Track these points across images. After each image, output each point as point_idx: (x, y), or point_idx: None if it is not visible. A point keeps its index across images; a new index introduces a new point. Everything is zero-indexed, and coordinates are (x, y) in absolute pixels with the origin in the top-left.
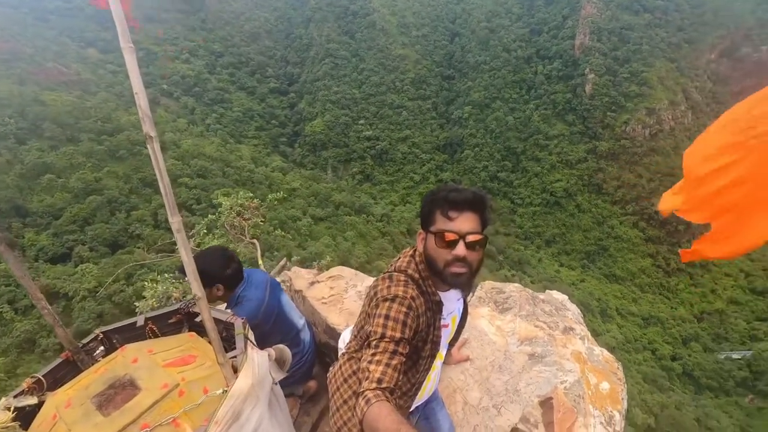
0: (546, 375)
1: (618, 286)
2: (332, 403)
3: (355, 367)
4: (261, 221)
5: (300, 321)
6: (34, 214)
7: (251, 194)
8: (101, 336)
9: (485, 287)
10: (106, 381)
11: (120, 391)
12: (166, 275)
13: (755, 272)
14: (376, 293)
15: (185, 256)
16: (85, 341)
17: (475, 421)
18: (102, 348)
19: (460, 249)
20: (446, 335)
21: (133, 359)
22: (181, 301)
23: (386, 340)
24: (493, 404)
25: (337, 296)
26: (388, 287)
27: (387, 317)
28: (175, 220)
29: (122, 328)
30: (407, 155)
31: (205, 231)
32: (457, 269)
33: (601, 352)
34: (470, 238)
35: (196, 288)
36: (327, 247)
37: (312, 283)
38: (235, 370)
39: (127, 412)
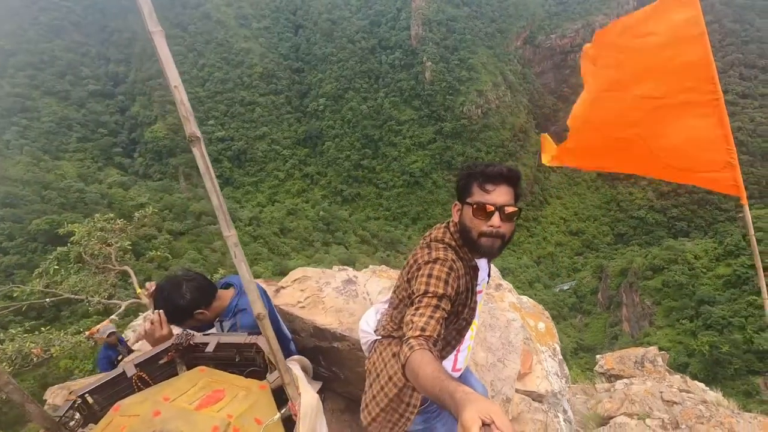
0: (518, 324)
1: None
2: (377, 381)
3: (396, 349)
4: (128, 245)
5: (287, 330)
6: None
7: (111, 215)
8: (78, 401)
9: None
10: None
11: None
12: (12, 330)
13: (570, 218)
14: (416, 260)
15: (245, 272)
16: (61, 413)
17: (490, 377)
18: (78, 416)
19: (496, 220)
20: (481, 302)
21: (154, 413)
22: (42, 356)
23: (429, 295)
24: (497, 359)
25: (313, 297)
26: (428, 253)
27: (430, 275)
28: (232, 234)
29: (102, 386)
30: (268, 153)
31: (56, 267)
32: (490, 239)
33: (528, 300)
34: (506, 209)
35: (259, 307)
36: (194, 263)
37: (277, 290)
38: (278, 389)
39: None
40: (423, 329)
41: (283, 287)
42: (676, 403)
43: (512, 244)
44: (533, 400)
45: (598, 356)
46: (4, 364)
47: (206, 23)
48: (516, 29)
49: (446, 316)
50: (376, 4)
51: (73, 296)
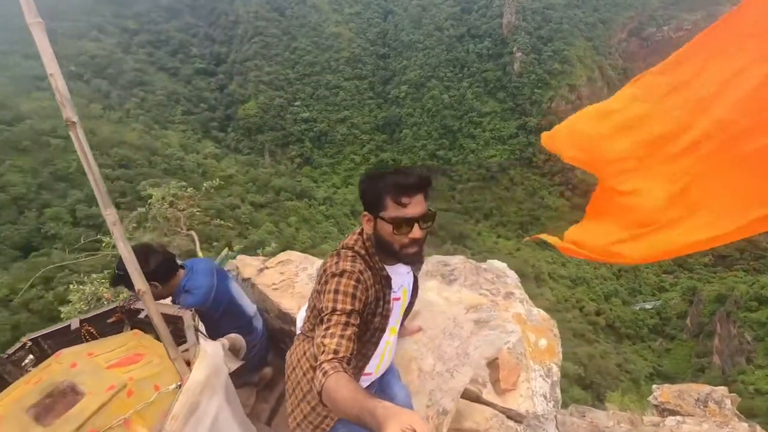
0: (491, 338)
1: (549, 252)
2: (289, 383)
3: (307, 346)
4: (197, 211)
5: (251, 308)
6: None
7: (184, 183)
8: (29, 344)
9: (432, 261)
10: (42, 390)
11: (60, 399)
12: (93, 276)
13: None
14: (325, 270)
15: (124, 250)
16: (10, 351)
17: (431, 386)
18: (31, 357)
19: (417, 232)
20: (398, 308)
21: (72, 364)
22: (113, 300)
23: (338, 313)
24: (446, 369)
25: (287, 281)
26: (336, 263)
27: (336, 291)
28: (110, 212)
29: (53, 333)
30: (347, 136)
31: (134, 225)
32: (412, 249)
33: (539, 312)
34: (425, 218)
35: (140, 282)
36: (269, 235)
37: (261, 270)
38: (188, 364)
39: (71, 420)
40: (336, 351)
41: (267, 267)
42: None
43: None
44: (509, 418)
45: (654, 386)
46: (81, 303)
47: (302, 8)
48: (622, 20)
49: (357, 330)
50: None
51: None
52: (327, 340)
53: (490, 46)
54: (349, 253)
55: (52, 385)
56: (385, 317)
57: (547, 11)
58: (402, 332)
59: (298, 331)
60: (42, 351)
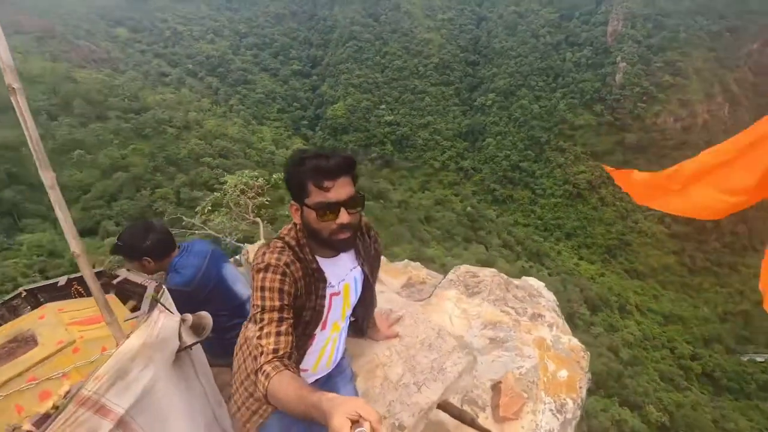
0: (503, 360)
1: (639, 282)
2: (238, 374)
3: (250, 333)
4: (266, 201)
5: (247, 292)
6: (65, 189)
7: (255, 174)
8: (24, 294)
9: (460, 271)
10: (10, 335)
11: (20, 345)
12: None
13: None
14: (253, 265)
15: (59, 212)
16: (7, 298)
17: (392, 397)
18: (28, 307)
19: (344, 216)
20: (338, 303)
21: (41, 316)
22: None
23: (268, 311)
24: (414, 381)
25: None
26: (263, 256)
27: (263, 288)
28: (48, 176)
29: (46, 287)
30: (428, 142)
31: (209, 208)
32: (342, 235)
33: (569, 341)
34: (351, 203)
35: (74, 245)
36: None
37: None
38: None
39: (18, 365)
40: (275, 350)
41: None
42: None
43: (691, 289)
44: None
45: None
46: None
47: (396, 14)
48: (755, 28)
49: (292, 321)
50: None
51: (215, 234)
52: (264, 341)
53: (589, 55)
54: (279, 244)
55: (18, 332)
56: (318, 312)
57: (661, 18)
58: (376, 336)
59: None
60: (37, 302)
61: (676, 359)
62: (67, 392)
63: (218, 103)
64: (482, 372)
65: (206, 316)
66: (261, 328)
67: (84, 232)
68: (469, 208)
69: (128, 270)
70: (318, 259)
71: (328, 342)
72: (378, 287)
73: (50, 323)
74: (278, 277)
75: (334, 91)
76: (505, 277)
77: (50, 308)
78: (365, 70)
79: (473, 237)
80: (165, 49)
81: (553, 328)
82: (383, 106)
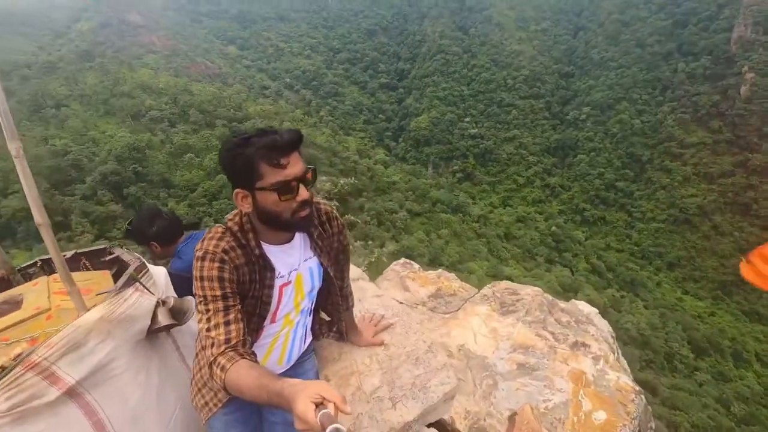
0: (529, 389)
1: (761, 326)
2: (197, 360)
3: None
4: (336, 204)
5: None
6: (176, 187)
7: (324, 178)
8: (40, 263)
9: (498, 286)
10: (4, 297)
11: (10, 307)
12: None
13: None
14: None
15: (23, 181)
16: (23, 265)
17: (361, 409)
18: (43, 276)
19: (304, 192)
20: (289, 294)
21: (35, 283)
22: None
23: (211, 301)
24: (390, 396)
25: None
26: (201, 243)
27: (202, 278)
28: (13, 147)
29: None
30: (513, 156)
31: None
32: (303, 213)
33: (618, 379)
34: (307, 176)
35: (38, 216)
36: (420, 242)
37: None
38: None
39: None
40: (227, 340)
41: None
42: None
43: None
44: None
45: None
46: None
47: (486, 26)
48: None
49: (240, 307)
50: (689, 1)
51: None
52: (213, 333)
53: (707, 65)
54: (220, 229)
55: (11, 296)
56: (266, 303)
57: None
58: (359, 341)
59: None
60: (52, 272)
61: None
62: (18, 355)
63: (310, 114)
64: (501, 399)
65: (189, 300)
66: (208, 320)
67: (188, 226)
68: (554, 228)
69: (126, 250)
70: (264, 246)
71: (278, 337)
72: (393, 293)
73: (38, 290)
74: (216, 264)
75: (419, 103)
76: (550, 297)
77: (52, 278)
78: (451, 83)
79: (557, 258)
80: (267, 64)
81: (599, 361)
82: (468, 119)
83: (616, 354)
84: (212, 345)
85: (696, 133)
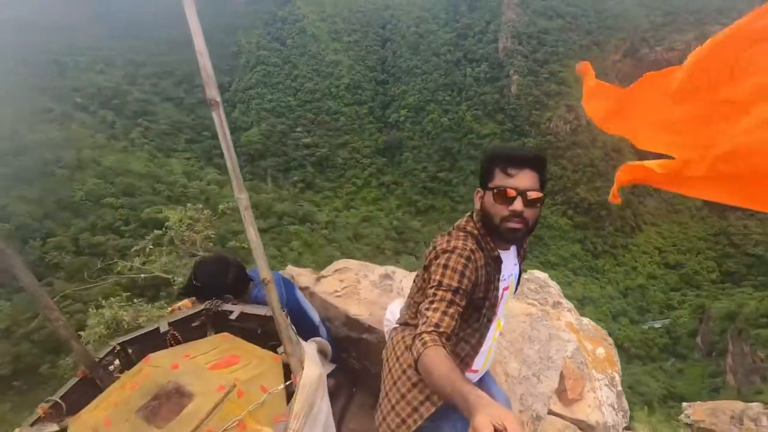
0: (552, 344)
1: (553, 271)
2: (389, 375)
3: (410, 340)
4: (212, 233)
5: (316, 317)
6: None
7: (200, 205)
8: (118, 348)
9: None
10: (146, 393)
11: (166, 400)
12: (111, 299)
13: (667, 248)
14: (434, 248)
15: (253, 235)
16: (101, 355)
17: (520, 391)
18: (117, 362)
19: (518, 204)
20: (506, 297)
21: (173, 365)
22: (132, 324)
23: (443, 288)
24: (532, 373)
25: (350, 288)
26: (448, 241)
27: (446, 266)
28: (243, 197)
29: (140, 337)
30: (348, 160)
31: (151, 247)
32: (513, 225)
33: (589, 322)
34: (529, 194)
35: (266, 272)
36: (273, 259)
37: (319, 279)
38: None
39: (186, 420)
40: (437, 325)
41: (324, 276)
42: None
43: (596, 272)
44: (581, 429)
45: (685, 404)
46: (101, 327)
47: (302, 37)
48: (615, 42)
49: (461, 310)
50: (465, 17)
51: (163, 274)
52: (430, 313)
53: (487, 70)
54: (461, 233)
55: (157, 387)
56: (494, 305)
57: (542, 35)
58: None
59: (390, 323)
60: (127, 356)
61: None
62: None
63: (116, 138)
64: (533, 353)
65: (325, 342)
66: (431, 302)
67: None
68: (395, 222)
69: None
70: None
71: (494, 340)
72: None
73: (190, 371)
74: (462, 260)
75: (247, 116)
76: None
77: (171, 357)
78: (277, 94)
79: (403, 249)
80: (50, 82)
81: (572, 312)
82: (299, 129)
83: (572, 304)
84: (424, 323)
85: (488, 125)
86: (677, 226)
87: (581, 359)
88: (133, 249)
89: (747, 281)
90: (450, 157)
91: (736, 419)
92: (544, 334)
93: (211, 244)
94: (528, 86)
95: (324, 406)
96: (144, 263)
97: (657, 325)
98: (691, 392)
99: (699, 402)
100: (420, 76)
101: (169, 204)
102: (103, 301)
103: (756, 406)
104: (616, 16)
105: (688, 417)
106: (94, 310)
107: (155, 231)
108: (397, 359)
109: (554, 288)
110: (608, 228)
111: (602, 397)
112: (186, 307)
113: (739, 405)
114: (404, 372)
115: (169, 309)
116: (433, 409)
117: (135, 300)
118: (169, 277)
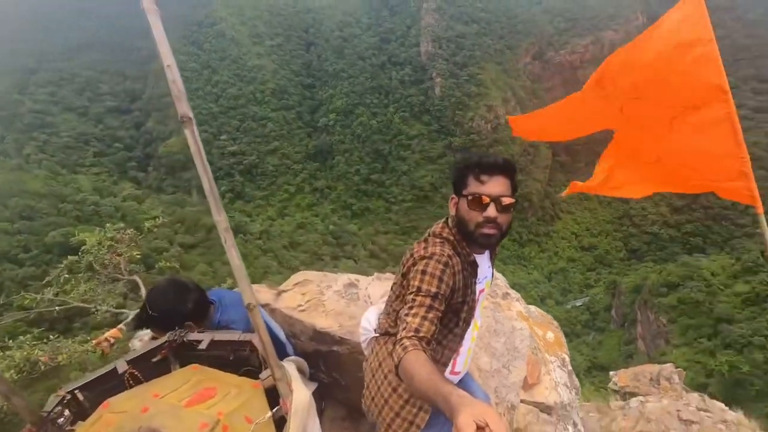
0: (507, 337)
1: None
2: (373, 386)
3: (392, 347)
4: (137, 255)
5: (282, 334)
6: None
7: (122, 225)
8: (68, 397)
9: None
10: None
11: None
12: (20, 338)
13: (581, 233)
14: (412, 255)
15: (235, 258)
16: (49, 408)
17: (494, 383)
18: (67, 413)
19: (491, 210)
20: (482, 300)
21: (143, 409)
22: (50, 364)
23: (422, 294)
24: (502, 365)
25: (314, 300)
26: (425, 248)
27: (424, 272)
28: (222, 218)
29: (92, 382)
30: (279, 167)
31: (66, 276)
32: (487, 230)
33: (536, 309)
34: (503, 200)
35: (250, 296)
36: (204, 275)
37: (279, 294)
38: (271, 389)
39: None
40: (417, 330)
41: (284, 291)
42: (694, 422)
43: (523, 259)
44: (541, 411)
45: (611, 372)
46: (12, 371)
47: (221, 41)
48: (525, 45)
49: (440, 315)
50: (386, 21)
51: (82, 304)
52: (409, 319)
53: (411, 73)
54: (438, 240)
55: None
56: (472, 308)
57: (460, 39)
58: None
59: (367, 331)
60: (79, 404)
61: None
62: None
63: (8, 155)
64: (499, 346)
65: (302, 361)
66: (411, 308)
67: None
68: (331, 227)
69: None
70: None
71: (473, 341)
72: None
73: (164, 412)
74: (440, 266)
75: (164, 125)
76: None
77: (136, 399)
78: (197, 101)
79: (341, 253)
80: None
81: (520, 301)
82: (224, 137)
83: (518, 294)
84: (404, 328)
85: (415, 126)
86: (588, 212)
87: (535, 345)
88: (46, 279)
89: (648, 256)
90: (381, 159)
91: (654, 380)
92: (508, 326)
93: (136, 266)
94: (450, 88)
95: (315, 428)
96: (57, 294)
97: (578, 304)
98: (609, 361)
99: (622, 369)
100: (347, 80)
101: (79, 225)
102: (10, 341)
103: (668, 367)
104: (525, 22)
105: (615, 384)
106: (0, 353)
107: (69, 257)
108: (379, 366)
109: (501, 280)
110: (531, 218)
111: (557, 378)
112: (114, 336)
113: (655, 368)
114: (385, 377)
115: (94, 342)
116: (426, 418)
117: (50, 336)
118: (90, 306)
